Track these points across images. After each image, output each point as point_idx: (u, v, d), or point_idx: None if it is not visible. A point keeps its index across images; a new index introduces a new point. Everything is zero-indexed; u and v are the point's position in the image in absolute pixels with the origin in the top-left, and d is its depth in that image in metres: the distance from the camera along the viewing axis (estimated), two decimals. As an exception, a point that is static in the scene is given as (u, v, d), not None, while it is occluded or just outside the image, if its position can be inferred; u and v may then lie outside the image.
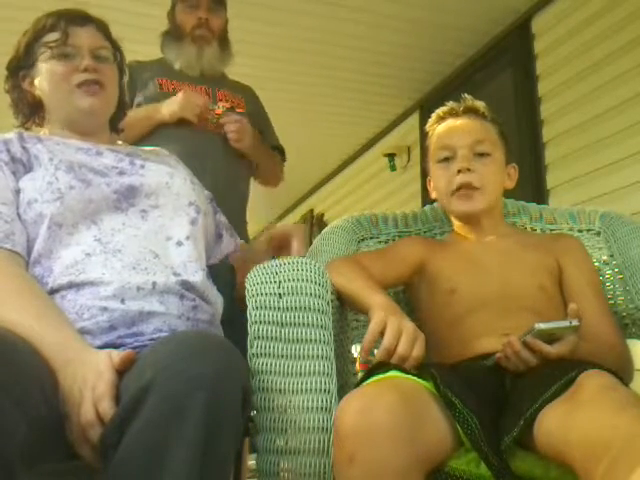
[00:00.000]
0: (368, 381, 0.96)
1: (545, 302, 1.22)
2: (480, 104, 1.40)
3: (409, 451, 0.81)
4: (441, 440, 0.89)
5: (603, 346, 1.14)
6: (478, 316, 1.19)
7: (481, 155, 1.32)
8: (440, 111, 1.41)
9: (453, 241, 1.39)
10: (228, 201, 1.85)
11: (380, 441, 0.80)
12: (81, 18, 1.23)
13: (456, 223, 1.40)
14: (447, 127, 1.38)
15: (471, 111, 1.38)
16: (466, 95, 1.41)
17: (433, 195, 1.42)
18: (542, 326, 0.99)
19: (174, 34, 2.04)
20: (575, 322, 1.00)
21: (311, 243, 1.42)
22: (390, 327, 1.01)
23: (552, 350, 1.00)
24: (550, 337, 1.01)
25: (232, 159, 1.98)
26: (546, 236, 1.44)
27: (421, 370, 0.98)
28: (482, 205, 1.31)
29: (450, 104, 1.40)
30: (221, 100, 2.01)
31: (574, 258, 1.30)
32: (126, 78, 1.38)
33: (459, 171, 1.30)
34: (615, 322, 1.24)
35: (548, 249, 1.31)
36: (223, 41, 2.07)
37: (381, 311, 1.05)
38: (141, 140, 1.87)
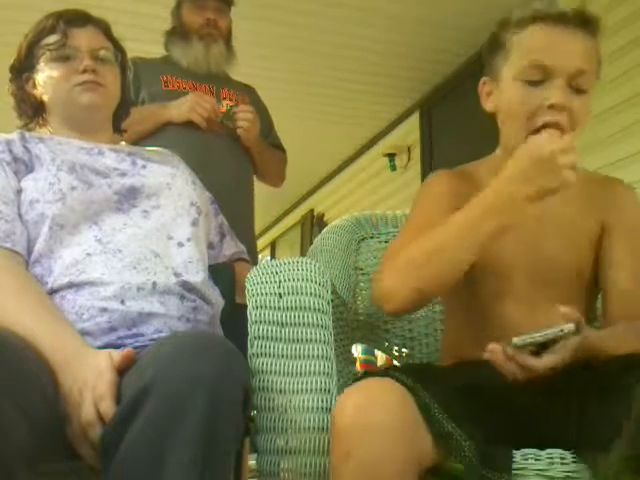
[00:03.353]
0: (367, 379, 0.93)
1: (577, 287, 1.08)
2: (596, 15, 1.06)
3: (406, 450, 0.80)
4: (434, 448, 0.86)
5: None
6: (505, 307, 1.07)
7: (577, 89, 1.03)
8: (544, 10, 1.05)
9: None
10: (235, 199, 1.86)
11: (377, 439, 0.79)
12: (81, 19, 1.23)
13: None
14: (551, 37, 1.04)
15: (585, 24, 1.04)
16: None
17: (489, 107, 1.13)
18: (518, 342, 0.87)
19: (180, 32, 2.05)
20: (568, 328, 0.87)
21: (311, 243, 1.42)
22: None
23: (537, 364, 0.88)
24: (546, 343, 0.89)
25: (237, 158, 1.99)
26: (592, 183, 1.15)
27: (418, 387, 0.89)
28: None
29: (559, 8, 1.05)
30: (225, 98, 2.02)
31: (621, 216, 1.10)
32: (130, 76, 1.38)
33: (552, 105, 1.01)
34: None
35: (592, 205, 1.11)
36: (228, 41, 2.08)
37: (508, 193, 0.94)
38: (147, 137, 1.87)
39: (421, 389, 0.87)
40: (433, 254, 1.00)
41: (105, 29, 1.27)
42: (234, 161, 1.98)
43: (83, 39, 1.21)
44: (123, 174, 1.18)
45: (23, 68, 1.24)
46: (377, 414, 0.80)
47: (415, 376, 0.90)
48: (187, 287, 1.09)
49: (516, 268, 1.08)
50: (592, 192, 1.12)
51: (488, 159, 1.18)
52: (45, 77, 1.21)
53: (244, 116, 1.95)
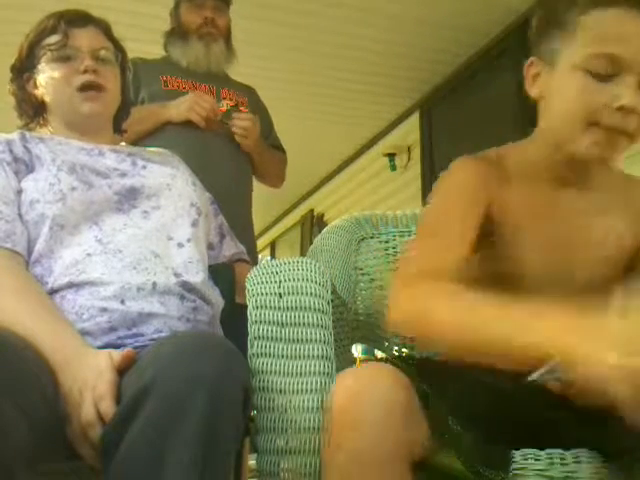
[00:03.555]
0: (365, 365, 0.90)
1: (603, 298, 1.05)
2: None
3: (398, 436, 0.77)
4: (425, 438, 0.83)
5: None
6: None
7: None
8: None
9: (530, 181, 0.98)
10: (234, 199, 1.86)
11: (367, 427, 0.76)
12: (82, 19, 1.24)
13: (555, 156, 0.98)
14: (630, 26, 0.88)
15: None
16: None
17: (534, 92, 0.98)
18: None
19: (179, 32, 2.06)
20: None
21: (311, 243, 1.42)
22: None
23: None
24: None
25: (236, 159, 1.99)
26: (632, 188, 1.05)
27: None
28: (620, 153, 0.93)
29: None
30: (225, 98, 2.03)
31: None
32: (130, 76, 1.39)
33: (621, 107, 0.87)
34: None
35: (630, 214, 1.00)
36: (228, 40, 2.09)
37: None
38: (146, 137, 1.88)
39: (421, 380, 0.84)
40: (454, 337, 0.83)
41: (106, 29, 1.27)
42: (233, 162, 1.98)
43: (84, 39, 1.21)
44: (123, 174, 1.18)
45: (24, 68, 1.25)
46: (368, 401, 0.78)
47: (418, 368, 0.87)
48: (187, 287, 1.09)
49: (542, 283, 0.98)
50: (631, 198, 1.01)
51: (518, 147, 1.06)
52: (46, 77, 1.21)
53: (241, 124, 1.95)
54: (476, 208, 0.96)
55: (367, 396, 0.78)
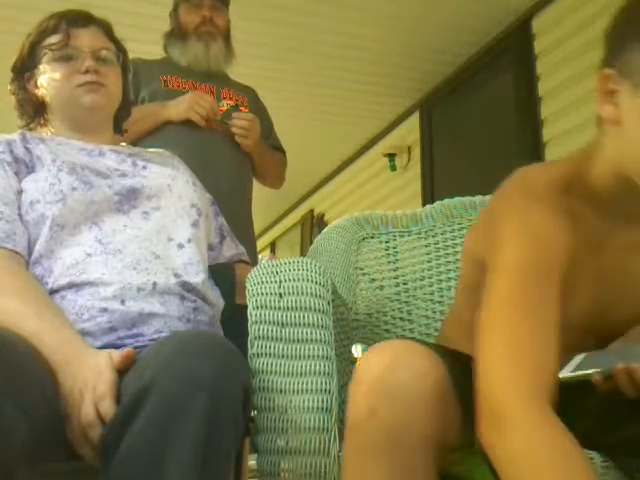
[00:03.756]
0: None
1: None
2: None
3: (433, 417, 0.74)
4: (456, 426, 0.82)
5: None
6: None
7: None
8: None
9: (587, 210, 0.88)
10: (232, 201, 1.86)
11: (405, 401, 0.73)
12: (83, 19, 1.24)
13: (617, 186, 0.85)
14: None
15: None
16: None
17: (605, 111, 0.81)
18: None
19: (178, 33, 2.06)
20: None
21: (311, 243, 1.43)
22: None
23: None
24: None
25: (236, 159, 1.99)
26: None
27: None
28: None
29: None
30: (225, 98, 2.03)
31: None
32: (130, 77, 1.39)
33: None
34: None
35: None
36: (227, 39, 2.09)
37: None
38: (146, 137, 1.88)
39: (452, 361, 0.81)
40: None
41: (107, 29, 1.27)
42: (233, 162, 1.98)
43: (85, 39, 1.21)
44: (124, 175, 1.18)
45: (25, 68, 1.25)
46: (406, 375, 0.75)
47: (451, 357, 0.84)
48: (187, 287, 1.09)
49: (590, 318, 0.92)
50: None
51: (572, 170, 0.91)
52: (47, 77, 1.21)
53: (241, 124, 1.95)
54: (562, 276, 0.84)
55: (404, 371, 0.75)
